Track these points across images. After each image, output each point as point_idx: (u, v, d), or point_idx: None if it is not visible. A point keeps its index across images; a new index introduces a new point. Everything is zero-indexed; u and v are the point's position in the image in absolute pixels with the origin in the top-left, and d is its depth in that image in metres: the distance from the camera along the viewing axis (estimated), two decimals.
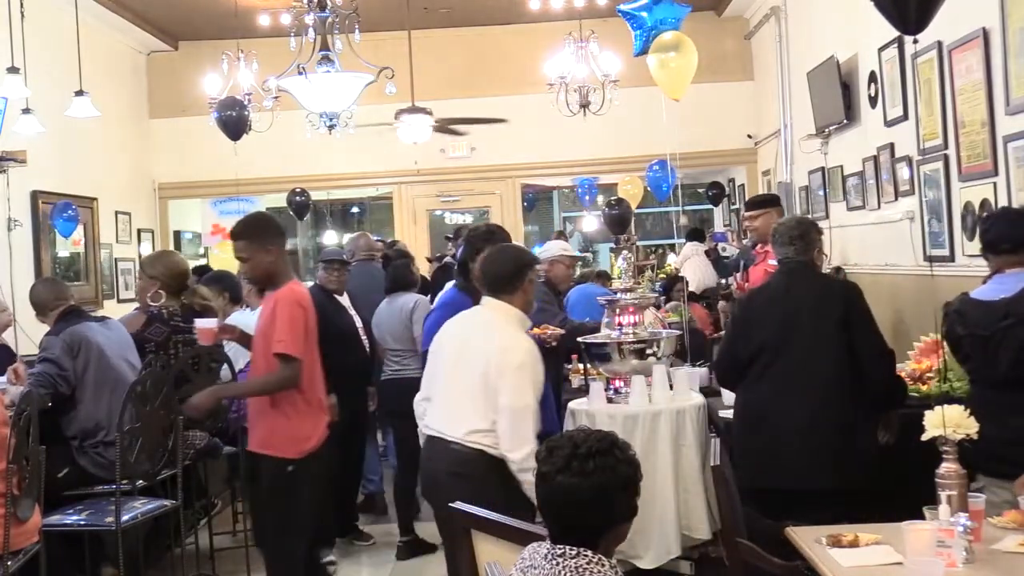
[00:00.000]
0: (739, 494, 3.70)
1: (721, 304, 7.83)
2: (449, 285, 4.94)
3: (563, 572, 2.23)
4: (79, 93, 7.29)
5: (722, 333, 6.57)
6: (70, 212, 8.15)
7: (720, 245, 11.14)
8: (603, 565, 2.25)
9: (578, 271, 8.27)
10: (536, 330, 4.70)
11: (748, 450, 4.06)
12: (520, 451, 3.52)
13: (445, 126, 9.58)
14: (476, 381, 3.63)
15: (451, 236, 8.57)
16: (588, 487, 2.24)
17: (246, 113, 7.82)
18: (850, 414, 3.95)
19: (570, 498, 2.25)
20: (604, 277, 8.69)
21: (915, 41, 3.18)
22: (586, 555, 2.25)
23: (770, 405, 3.97)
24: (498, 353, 3.62)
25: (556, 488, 2.27)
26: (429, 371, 3.94)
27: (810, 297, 4.07)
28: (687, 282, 8.42)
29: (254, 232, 4.32)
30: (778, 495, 3.88)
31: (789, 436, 3.89)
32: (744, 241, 6.33)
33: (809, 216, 8.47)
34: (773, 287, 4.19)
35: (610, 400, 4.95)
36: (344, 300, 6.22)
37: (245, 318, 5.50)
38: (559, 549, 2.27)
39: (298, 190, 10.78)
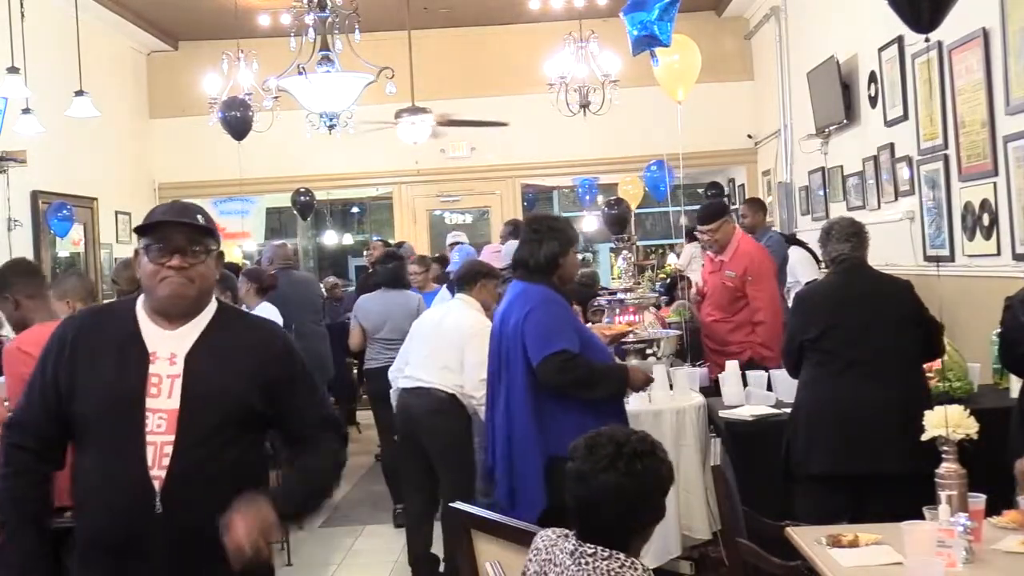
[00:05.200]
0: (814, 483, 3.98)
1: None
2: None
3: (595, 574, 2.15)
4: (79, 93, 7.29)
5: None
6: (65, 212, 8.14)
7: None
8: (636, 569, 2.17)
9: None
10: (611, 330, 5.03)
11: (838, 437, 4.03)
12: (480, 391, 4.51)
13: (450, 120, 9.53)
14: (452, 347, 4.84)
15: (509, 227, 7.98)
16: (632, 488, 2.18)
17: (250, 113, 7.82)
18: (927, 398, 4.07)
19: (613, 497, 2.18)
20: None
21: (927, 40, 3.20)
22: (618, 558, 2.17)
23: (863, 393, 3.99)
24: (465, 328, 4.86)
25: (598, 486, 2.18)
26: (410, 344, 5.14)
27: (883, 290, 4.18)
28: (690, 281, 8.39)
29: None
30: (864, 480, 3.95)
31: (890, 420, 3.92)
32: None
33: (809, 217, 8.49)
34: (838, 283, 4.21)
35: None
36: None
37: None
38: (589, 548, 2.19)
39: (303, 190, 10.78)
